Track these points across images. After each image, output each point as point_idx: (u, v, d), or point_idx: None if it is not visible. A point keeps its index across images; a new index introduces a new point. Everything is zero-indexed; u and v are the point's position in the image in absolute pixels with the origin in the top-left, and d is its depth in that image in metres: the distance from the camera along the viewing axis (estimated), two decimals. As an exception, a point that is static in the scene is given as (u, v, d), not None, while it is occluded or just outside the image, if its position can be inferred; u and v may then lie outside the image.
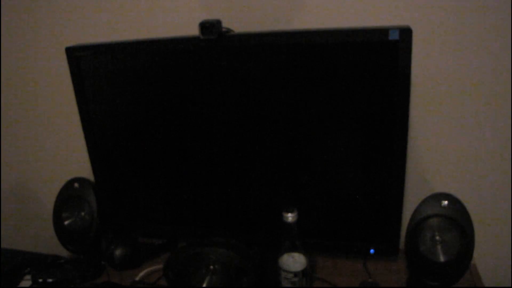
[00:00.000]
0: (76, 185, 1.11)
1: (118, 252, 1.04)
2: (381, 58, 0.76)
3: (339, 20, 0.92)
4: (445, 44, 0.88)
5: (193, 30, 0.98)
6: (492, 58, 0.87)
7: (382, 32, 0.73)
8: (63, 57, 0.96)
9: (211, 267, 0.88)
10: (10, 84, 1.25)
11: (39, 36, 1.15)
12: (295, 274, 0.84)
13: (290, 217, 0.81)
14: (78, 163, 1.28)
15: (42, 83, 1.21)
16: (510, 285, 1.05)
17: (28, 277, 1.02)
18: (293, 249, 0.84)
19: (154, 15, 1.03)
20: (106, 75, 0.94)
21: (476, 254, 0.96)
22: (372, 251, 0.92)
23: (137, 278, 1.00)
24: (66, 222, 1.10)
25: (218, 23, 0.80)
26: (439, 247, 0.84)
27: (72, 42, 0.98)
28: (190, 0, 0.99)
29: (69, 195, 1.11)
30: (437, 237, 0.84)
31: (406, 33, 0.72)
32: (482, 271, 0.96)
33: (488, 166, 0.96)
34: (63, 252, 1.15)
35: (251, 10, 0.96)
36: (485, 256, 1.02)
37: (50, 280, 0.98)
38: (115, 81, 0.94)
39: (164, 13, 1.02)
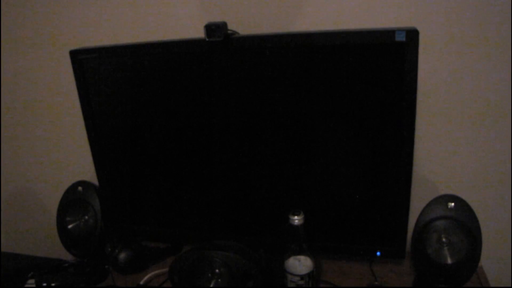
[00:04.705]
0: (80, 188, 1.11)
1: (122, 256, 1.03)
2: (387, 60, 0.76)
3: (346, 22, 0.92)
4: (450, 46, 0.88)
5: (195, 33, 0.98)
6: (496, 60, 0.87)
7: (389, 33, 0.73)
8: (67, 60, 0.96)
9: (217, 270, 0.87)
10: (13, 87, 1.25)
11: (43, 39, 1.15)
12: (301, 277, 0.83)
13: (296, 220, 0.81)
14: (82, 166, 1.27)
15: (45, 86, 1.21)
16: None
17: (31, 281, 1.01)
18: (299, 252, 0.84)
19: (157, 18, 1.03)
20: (110, 78, 0.94)
21: (483, 255, 0.95)
22: (378, 253, 0.91)
23: (141, 282, 0.99)
24: (70, 226, 1.10)
25: (223, 25, 0.80)
26: (446, 249, 0.83)
27: (76, 45, 0.98)
28: (193, 4, 0.99)
29: (73, 199, 1.10)
30: (444, 239, 0.84)
31: (412, 34, 0.72)
32: (489, 273, 0.96)
33: (494, 168, 0.95)
34: (66, 256, 1.14)
35: (255, 13, 0.96)
36: (492, 258, 1.02)
37: (53, 284, 0.98)
38: (119, 84, 0.94)
39: (167, 16, 1.02)
